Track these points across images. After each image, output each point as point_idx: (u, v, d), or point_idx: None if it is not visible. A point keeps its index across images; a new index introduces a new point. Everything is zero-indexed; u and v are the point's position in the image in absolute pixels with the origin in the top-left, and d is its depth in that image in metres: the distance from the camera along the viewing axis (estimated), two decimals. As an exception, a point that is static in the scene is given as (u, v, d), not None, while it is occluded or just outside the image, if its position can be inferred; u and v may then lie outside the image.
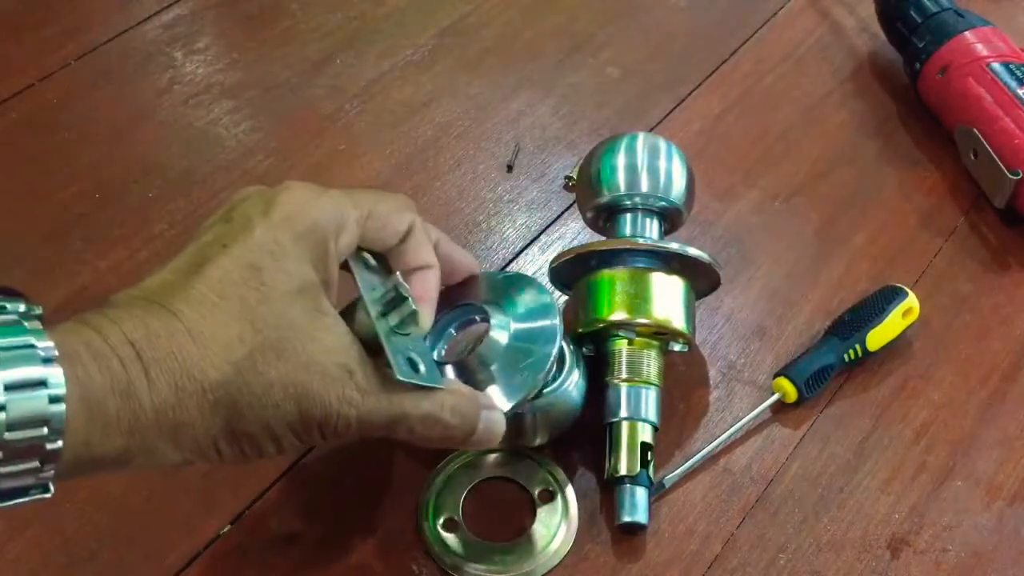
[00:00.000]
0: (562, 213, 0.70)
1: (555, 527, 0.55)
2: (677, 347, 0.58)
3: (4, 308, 0.37)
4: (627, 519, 0.53)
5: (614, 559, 0.54)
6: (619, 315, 0.56)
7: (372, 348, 0.44)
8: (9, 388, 0.34)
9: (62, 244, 0.65)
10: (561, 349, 0.54)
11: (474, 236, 0.68)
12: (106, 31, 0.80)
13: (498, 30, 0.82)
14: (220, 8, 0.83)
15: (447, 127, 0.75)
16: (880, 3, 0.79)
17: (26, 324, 0.36)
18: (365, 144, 0.73)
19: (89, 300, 0.62)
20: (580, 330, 0.57)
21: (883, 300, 0.62)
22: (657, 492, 0.56)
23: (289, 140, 0.73)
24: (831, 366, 0.60)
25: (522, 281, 0.55)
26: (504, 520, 0.55)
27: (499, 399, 0.49)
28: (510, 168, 0.72)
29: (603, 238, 0.62)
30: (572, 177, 0.65)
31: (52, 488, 0.36)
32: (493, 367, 0.50)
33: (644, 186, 0.59)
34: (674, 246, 0.57)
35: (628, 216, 0.60)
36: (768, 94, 0.79)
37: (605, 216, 0.61)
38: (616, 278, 0.57)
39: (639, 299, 0.56)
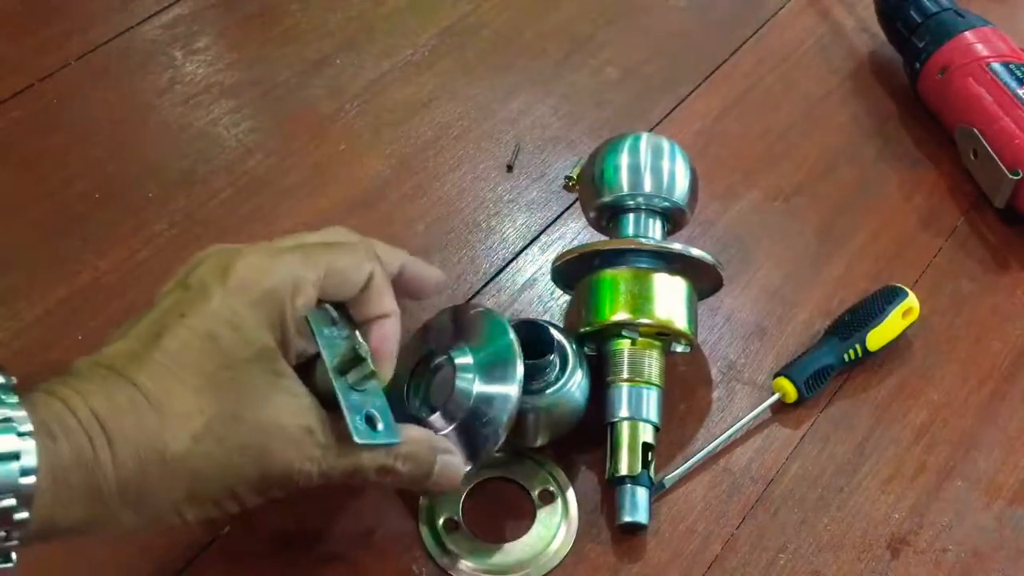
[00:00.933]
0: (562, 213, 0.70)
1: (555, 527, 0.55)
2: (679, 348, 0.58)
3: None
4: (628, 519, 0.53)
5: (614, 559, 0.54)
6: (621, 315, 0.56)
7: (331, 403, 0.44)
8: None
9: (62, 244, 0.65)
10: (553, 359, 0.55)
11: (474, 236, 0.68)
12: (106, 31, 0.80)
13: (498, 30, 0.82)
14: (220, 8, 0.83)
15: (447, 127, 0.75)
16: (880, 3, 0.79)
17: (3, 397, 0.37)
18: (365, 144, 0.73)
19: (89, 300, 0.63)
20: (582, 330, 0.57)
21: (883, 300, 0.62)
22: (657, 492, 0.56)
23: (289, 140, 0.73)
24: (831, 366, 0.60)
25: (487, 318, 0.55)
26: (504, 520, 0.55)
27: (462, 455, 0.51)
28: (510, 168, 0.72)
29: (605, 238, 0.62)
30: (572, 177, 0.65)
31: (14, 558, 0.38)
32: (458, 421, 0.52)
33: (647, 186, 0.59)
34: (677, 246, 0.57)
35: (631, 216, 0.60)
36: (768, 94, 0.79)
37: (608, 216, 0.61)
38: (619, 278, 0.57)
39: (642, 299, 0.56)
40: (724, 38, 0.83)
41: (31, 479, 0.36)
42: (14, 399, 0.37)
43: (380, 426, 0.45)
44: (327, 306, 0.47)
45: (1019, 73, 0.70)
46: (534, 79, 0.79)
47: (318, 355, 0.46)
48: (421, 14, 0.83)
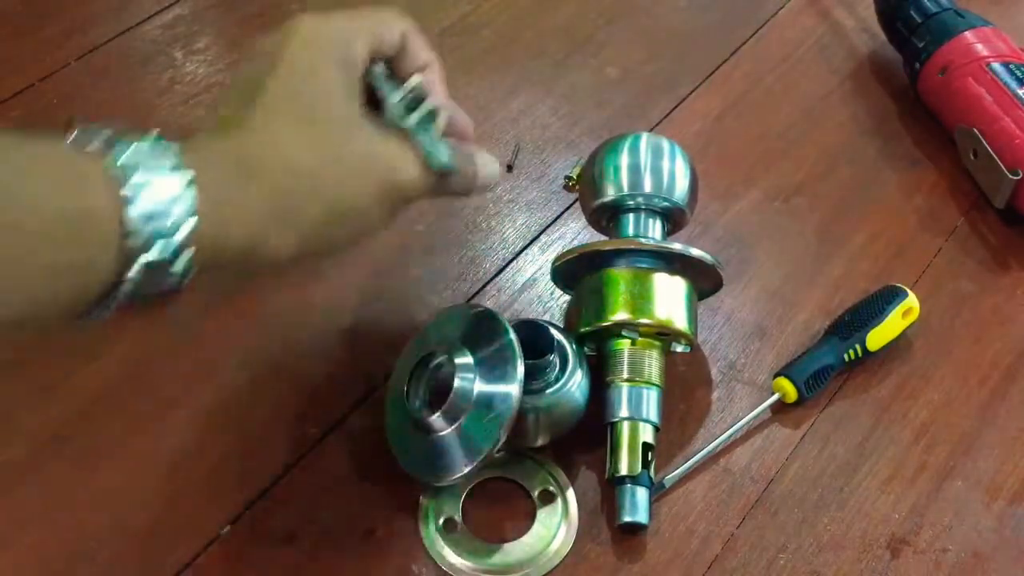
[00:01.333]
0: (562, 213, 0.70)
1: (555, 527, 0.55)
2: (680, 348, 0.58)
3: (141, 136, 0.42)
4: (628, 519, 0.53)
5: (614, 559, 0.54)
6: (621, 315, 0.56)
7: None
8: (146, 219, 0.39)
9: (62, 244, 0.65)
10: (553, 359, 0.55)
11: (474, 236, 0.68)
12: (106, 31, 0.80)
13: (498, 30, 0.82)
14: (220, 8, 0.83)
15: (447, 127, 0.75)
16: (880, 3, 0.79)
17: (159, 146, 0.41)
18: (365, 144, 0.73)
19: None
20: (582, 330, 0.57)
21: (883, 300, 0.62)
22: (657, 492, 0.56)
23: (289, 140, 0.73)
24: (831, 366, 0.60)
25: (487, 318, 0.55)
26: (504, 520, 0.55)
27: (463, 455, 0.52)
28: (510, 168, 0.72)
29: (605, 238, 0.62)
30: (572, 177, 0.65)
31: (185, 282, 0.42)
32: (458, 421, 0.52)
33: (647, 186, 0.59)
34: (677, 246, 0.57)
35: (631, 216, 0.60)
36: (768, 94, 0.79)
37: (608, 216, 0.61)
38: (619, 278, 0.57)
39: (642, 299, 0.56)
40: (724, 38, 0.83)
41: (194, 219, 0.40)
42: (169, 147, 0.41)
43: (444, 157, 0.50)
44: (380, 65, 0.50)
45: (1019, 73, 0.70)
46: (534, 79, 0.79)
47: (377, 104, 0.50)
48: (421, 14, 0.82)
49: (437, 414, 0.52)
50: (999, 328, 0.65)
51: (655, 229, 0.60)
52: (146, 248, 0.40)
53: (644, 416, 0.55)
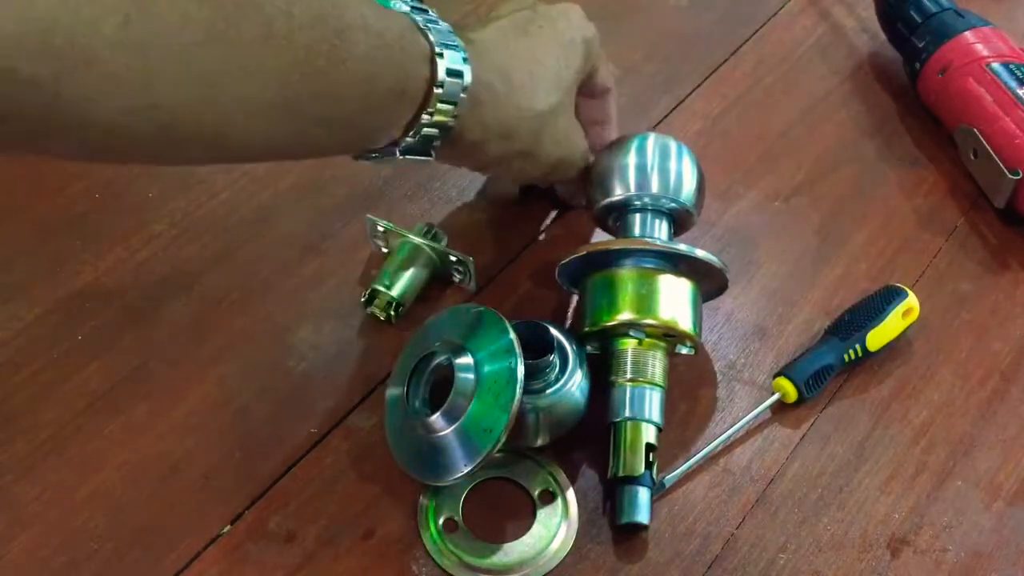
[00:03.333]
0: (562, 213, 0.70)
1: (555, 527, 0.55)
2: (684, 350, 0.58)
3: (427, 10, 0.51)
4: (629, 519, 0.53)
5: (614, 559, 0.54)
6: (626, 315, 0.56)
7: None
8: (448, 74, 0.49)
9: (62, 244, 0.65)
10: (553, 359, 0.55)
11: (474, 236, 0.68)
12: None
13: (498, 30, 0.82)
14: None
15: (447, 127, 0.75)
16: (880, 3, 0.79)
17: (446, 27, 0.50)
18: (365, 144, 0.73)
19: (89, 300, 0.63)
20: (587, 329, 0.57)
21: (883, 300, 0.62)
22: (657, 492, 0.56)
23: (289, 140, 0.73)
24: (831, 366, 0.60)
25: (487, 318, 0.56)
26: (504, 520, 0.55)
27: (463, 455, 0.52)
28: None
29: (610, 236, 0.62)
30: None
31: (434, 155, 0.52)
32: (458, 421, 0.52)
33: (654, 187, 0.59)
34: (683, 247, 0.57)
35: (638, 216, 0.60)
36: (768, 94, 0.79)
37: (615, 215, 0.61)
38: (624, 278, 0.57)
39: (647, 300, 0.56)
40: (724, 38, 0.83)
41: (465, 95, 0.49)
42: (448, 29, 0.49)
43: None
44: None
45: (1019, 73, 0.70)
46: (534, 79, 0.78)
47: None
48: (421, 14, 0.83)
49: (437, 414, 0.52)
50: (999, 328, 0.65)
51: (661, 230, 0.60)
52: (442, 99, 0.48)
53: (647, 416, 0.55)
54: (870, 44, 0.83)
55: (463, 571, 0.53)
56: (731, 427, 0.58)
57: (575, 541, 0.54)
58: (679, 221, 0.61)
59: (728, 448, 0.58)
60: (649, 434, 0.55)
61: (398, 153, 0.50)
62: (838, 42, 0.83)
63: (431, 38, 0.48)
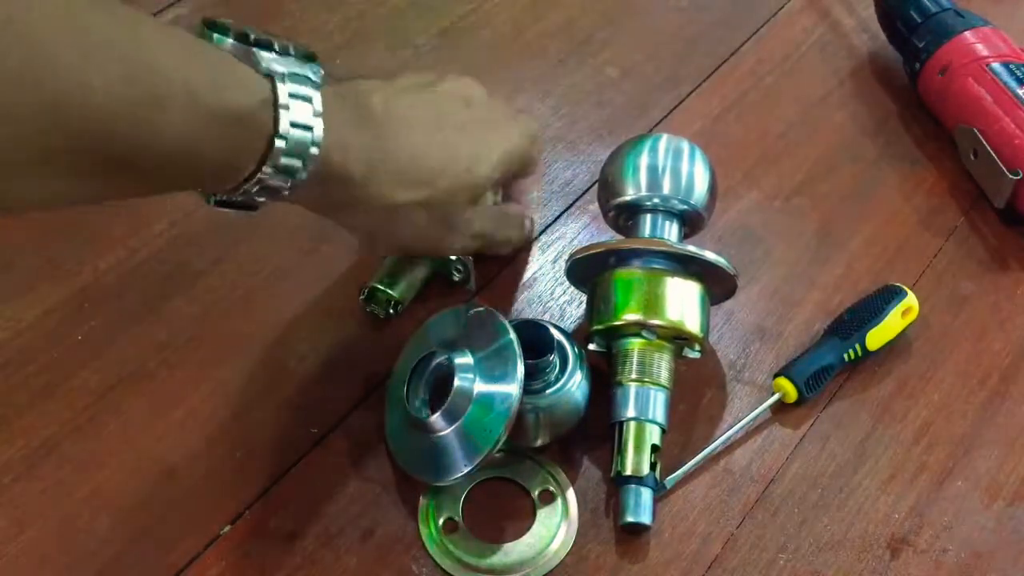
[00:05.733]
0: (562, 213, 0.70)
1: (555, 527, 0.55)
2: (692, 354, 0.58)
3: (306, 76, 0.46)
4: (632, 519, 0.54)
5: (614, 559, 0.54)
6: (634, 315, 0.56)
7: None
8: (293, 126, 0.45)
9: (62, 244, 0.65)
10: (553, 359, 0.55)
11: (474, 236, 0.68)
12: (106, 31, 0.79)
13: (498, 30, 0.82)
14: (220, 8, 0.83)
15: (447, 127, 0.75)
16: (880, 3, 0.79)
17: (311, 75, 0.46)
18: (365, 144, 0.73)
19: (89, 300, 0.63)
20: (594, 327, 0.57)
21: (883, 300, 0.62)
22: (659, 493, 0.56)
23: (289, 140, 0.73)
24: (831, 366, 0.60)
25: (487, 319, 0.56)
26: (504, 520, 0.55)
27: (463, 456, 0.52)
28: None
29: (619, 236, 0.62)
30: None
31: (294, 190, 0.47)
32: (458, 421, 0.53)
33: (666, 188, 0.59)
34: (692, 249, 0.57)
35: (648, 217, 0.60)
36: (768, 94, 0.79)
37: (626, 216, 0.61)
38: (633, 278, 0.57)
39: (655, 300, 0.56)
40: (724, 38, 0.83)
41: (316, 150, 0.46)
42: (317, 79, 0.46)
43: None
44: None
45: (1019, 73, 0.70)
46: (534, 79, 0.78)
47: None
48: (421, 14, 0.83)
49: (437, 414, 0.52)
50: (999, 328, 0.65)
51: (672, 231, 0.60)
52: (286, 152, 0.45)
53: (651, 417, 0.55)
54: (870, 44, 0.83)
55: (463, 571, 0.53)
56: (731, 427, 0.58)
57: (575, 541, 0.54)
58: (690, 223, 0.61)
59: (728, 448, 0.58)
60: (653, 435, 0.55)
61: (238, 195, 0.47)
62: (838, 42, 0.83)
63: (279, 111, 0.44)
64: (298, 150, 0.45)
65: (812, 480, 0.57)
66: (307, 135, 0.45)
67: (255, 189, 0.46)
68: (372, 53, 0.80)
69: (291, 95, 0.44)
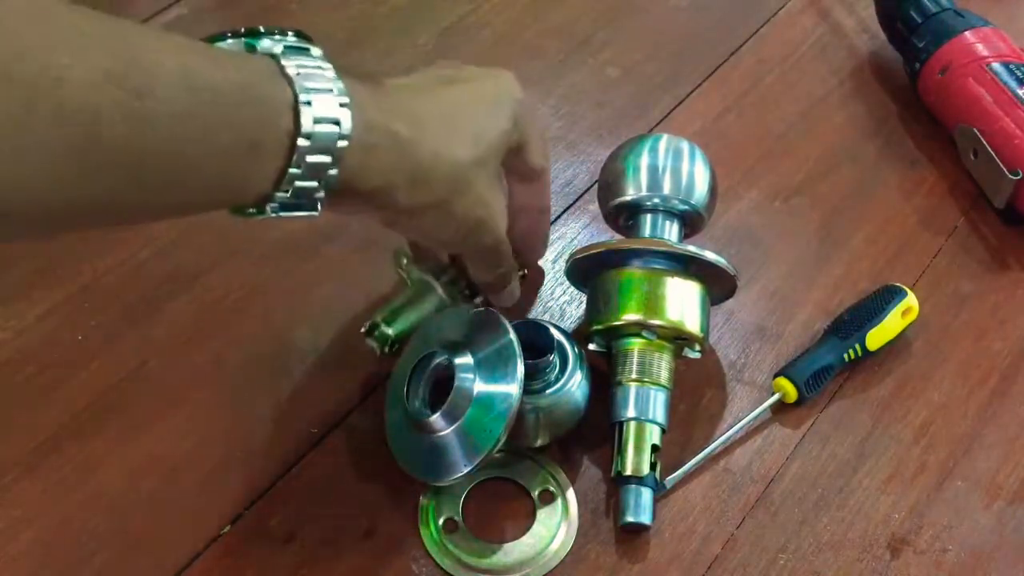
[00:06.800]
0: (562, 213, 0.70)
1: (555, 527, 0.55)
2: (692, 354, 0.58)
3: (308, 51, 0.44)
4: (632, 519, 0.53)
5: (614, 559, 0.54)
6: (634, 315, 0.56)
7: None
8: (316, 122, 0.42)
9: (62, 244, 0.65)
10: (553, 359, 0.55)
11: (474, 236, 0.68)
12: (106, 31, 0.79)
13: (498, 30, 0.82)
14: (220, 8, 0.83)
15: (447, 127, 0.75)
16: (880, 3, 0.79)
17: (324, 68, 0.43)
18: (365, 144, 0.73)
19: (89, 300, 0.63)
20: (594, 327, 0.57)
21: (883, 300, 0.62)
22: (659, 493, 0.56)
23: (289, 140, 0.73)
24: (831, 366, 0.60)
25: (487, 318, 0.55)
26: (504, 520, 0.55)
27: (463, 455, 0.52)
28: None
29: (619, 236, 0.62)
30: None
31: (319, 208, 0.45)
32: (458, 421, 0.52)
33: (666, 188, 0.59)
34: (692, 249, 0.57)
35: (648, 217, 0.60)
36: (768, 94, 0.79)
37: (626, 215, 0.61)
38: (633, 278, 0.57)
39: (655, 300, 0.56)
40: (724, 38, 0.83)
41: (345, 143, 0.43)
42: (332, 73, 0.43)
43: None
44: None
45: (1019, 73, 0.70)
46: (534, 79, 0.78)
47: None
48: (421, 14, 0.83)
49: (437, 414, 0.52)
50: (999, 328, 0.65)
51: (672, 231, 0.60)
52: (312, 151, 0.42)
53: (651, 417, 0.55)
54: (870, 44, 0.83)
55: (463, 571, 0.53)
56: (731, 427, 0.58)
57: (575, 541, 0.54)
58: (690, 223, 0.61)
59: (728, 448, 0.58)
60: (654, 435, 0.55)
61: (269, 211, 0.44)
62: (838, 42, 0.83)
63: (295, 84, 0.42)
64: (327, 117, 0.42)
65: (812, 480, 0.57)
66: (333, 101, 0.42)
67: (302, 175, 0.43)
68: (372, 53, 0.80)
69: (302, 66, 0.42)
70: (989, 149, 0.68)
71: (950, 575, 0.54)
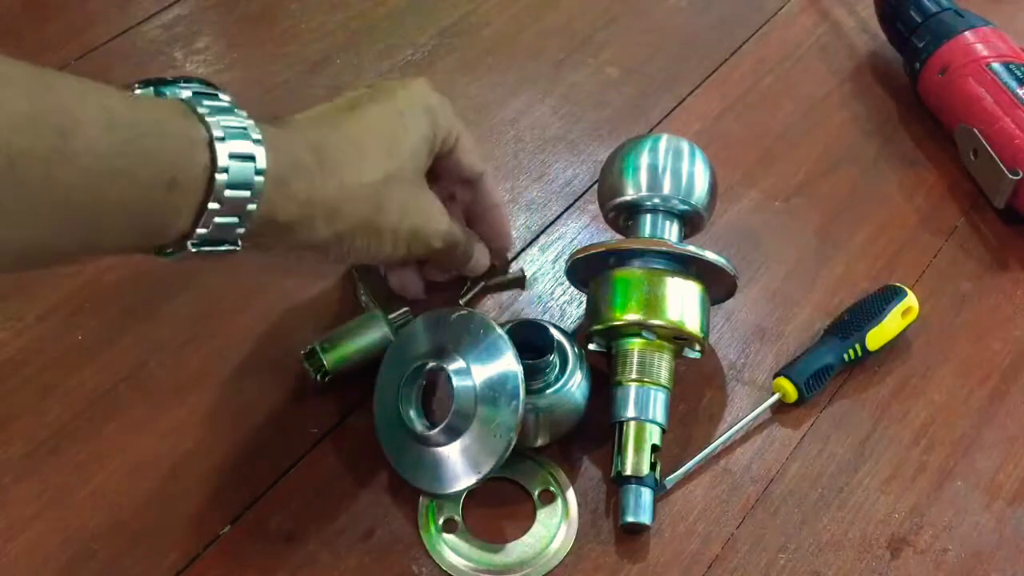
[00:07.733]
0: (562, 213, 0.70)
1: (555, 527, 0.55)
2: (692, 354, 0.58)
3: (216, 96, 0.46)
4: (632, 519, 0.53)
5: (614, 559, 0.54)
6: (634, 315, 0.56)
7: None
8: (232, 157, 0.43)
9: (62, 244, 0.65)
10: (553, 359, 0.55)
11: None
12: (106, 31, 0.80)
13: (498, 30, 0.82)
14: (220, 8, 0.83)
15: (447, 127, 0.75)
16: (880, 3, 0.79)
17: (236, 111, 0.45)
18: (365, 144, 0.73)
19: (89, 300, 0.63)
20: (594, 327, 0.57)
21: (883, 300, 0.62)
22: (659, 493, 0.56)
23: (289, 140, 0.73)
24: (831, 366, 0.60)
25: (472, 321, 0.55)
26: (504, 520, 0.55)
27: (476, 461, 0.52)
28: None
29: (619, 236, 0.62)
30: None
31: (240, 245, 0.46)
32: (463, 433, 0.52)
33: (666, 188, 0.59)
34: (692, 249, 0.57)
35: (648, 217, 0.60)
36: (768, 94, 0.79)
37: (626, 215, 0.61)
38: (633, 278, 0.57)
39: (655, 300, 0.56)
40: (724, 38, 0.83)
41: (261, 178, 0.44)
42: (243, 113, 0.45)
43: None
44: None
45: (1019, 73, 0.70)
46: (534, 79, 0.79)
47: None
48: (421, 14, 0.83)
49: (438, 428, 0.52)
50: (999, 328, 0.65)
51: (672, 231, 0.60)
52: (230, 186, 0.43)
53: (651, 417, 0.55)
54: (870, 44, 0.83)
55: (463, 571, 0.53)
56: (731, 427, 0.58)
57: (575, 541, 0.54)
58: (690, 223, 0.61)
59: (728, 448, 0.58)
60: (654, 435, 0.55)
61: (189, 246, 0.45)
62: (838, 42, 0.83)
63: (208, 123, 0.43)
64: (242, 153, 0.43)
65: (812, 480, 0.57)
66: (247, 139, 0.44)
67: (221, 211, 0.44)
68: (372, 53, 0.80)
69: (214, 109, 0.44)
70: (989, 149, 0.68)
71: (950, 575, 0.54)
